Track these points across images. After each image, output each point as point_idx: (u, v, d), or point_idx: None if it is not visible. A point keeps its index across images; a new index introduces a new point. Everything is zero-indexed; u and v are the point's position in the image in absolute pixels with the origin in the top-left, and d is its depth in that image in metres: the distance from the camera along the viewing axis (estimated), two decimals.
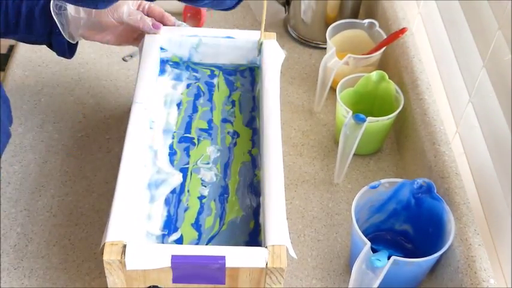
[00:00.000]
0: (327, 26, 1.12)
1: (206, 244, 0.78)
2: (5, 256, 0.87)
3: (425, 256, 0.78)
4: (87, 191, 0.96)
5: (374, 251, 0.77)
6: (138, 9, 0.97)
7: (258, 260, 0.71)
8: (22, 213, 0.92)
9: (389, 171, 1.02)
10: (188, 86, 0.97)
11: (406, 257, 0.78)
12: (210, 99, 0.95)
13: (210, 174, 0.85)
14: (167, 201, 0.82)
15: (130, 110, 0.85)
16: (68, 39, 0.95)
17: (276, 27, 1.27)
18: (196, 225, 0.80)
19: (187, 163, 0.86)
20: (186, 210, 0.81)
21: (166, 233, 0.79)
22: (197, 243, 0.78)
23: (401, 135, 1.05)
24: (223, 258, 0.70)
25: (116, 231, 0.72)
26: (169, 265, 0.70)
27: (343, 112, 0.97)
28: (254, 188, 0.84)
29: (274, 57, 0.95)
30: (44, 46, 0.98)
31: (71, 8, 0.92)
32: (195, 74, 0.99)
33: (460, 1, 0.95)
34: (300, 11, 1.21)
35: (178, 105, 0.94)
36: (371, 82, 1.02)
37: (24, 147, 1.01)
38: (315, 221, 0.94)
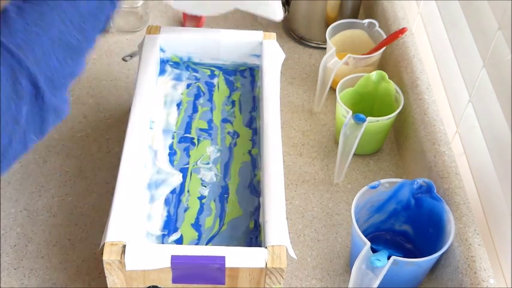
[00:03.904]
0: (327, 26, 1.12)
1: (206, 244, 0.78)
2: (5, 256, 0.87)
3: (425, 256, 0.78)
4: (87, 191, 0.96)
5: (374, 251, 0.77)
6: None
7: (258, 260, 0.71)
8: (22, 213, 0.92)
9: (389, 171, 1.02)
10: (188, 86, 0.97)
11: (406, 257, 0.78)
12: (210, 99, 0.95)
13: (210, 174, 0.85)
14: (167, 202, 0.82)
15: (130, 110, 0.85)
16: None
17: (276, 27, 1.26)
18: (196, 225, 0.80)
19: (187, 163, 0.86)
20: (186, 210, 0.81)
21: (166, 233, 0.79)
22: (197, 244, 0.78)
23: (401, 135, 1.05)
24: (223, 258, 0.70)
25: (115, 231, 0.72)
26: (169, 265, 0.70)
27: (343, 112, 0.97)
28: (254, 188, 0.84)
29: (274, 57, 0.95)
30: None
31: None
32: (195, 74, 0.99)
33: (460, 1, 0.95)
34: (300, 11, 1.21)
35: (178, 105, 0.94)
36: (371, 82, 1.01)
37: None
38: (314, 221, 0.94)
